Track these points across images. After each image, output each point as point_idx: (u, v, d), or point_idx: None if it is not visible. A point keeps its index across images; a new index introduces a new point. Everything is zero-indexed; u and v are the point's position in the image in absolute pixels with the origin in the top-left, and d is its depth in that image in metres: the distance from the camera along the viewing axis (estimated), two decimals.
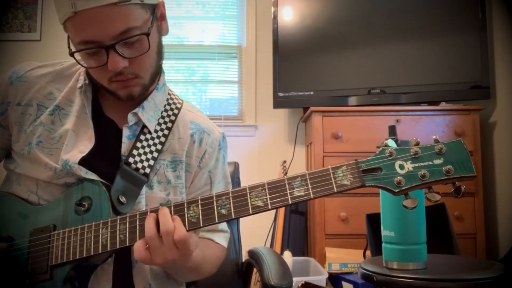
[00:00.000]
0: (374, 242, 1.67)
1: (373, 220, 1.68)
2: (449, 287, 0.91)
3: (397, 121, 2.22)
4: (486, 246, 2.17)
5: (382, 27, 2.43)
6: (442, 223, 1.59)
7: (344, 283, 1.94)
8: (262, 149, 2.75)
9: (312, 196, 0.72)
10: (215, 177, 1.02)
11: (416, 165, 0.71)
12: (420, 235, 0.98)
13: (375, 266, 1.01)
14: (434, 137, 0.73)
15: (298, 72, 2.49)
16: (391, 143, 0.75)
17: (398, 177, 0.70)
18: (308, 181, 0.73)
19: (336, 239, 2.17)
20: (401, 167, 0.71)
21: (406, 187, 0.70)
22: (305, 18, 2.53)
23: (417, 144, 0.72)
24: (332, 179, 0.72)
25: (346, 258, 2.03)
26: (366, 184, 0.72)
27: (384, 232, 1.01)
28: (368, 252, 1.71)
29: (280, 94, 2.50)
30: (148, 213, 0.78)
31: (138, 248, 0.75)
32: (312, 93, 2.45)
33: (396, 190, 0.70)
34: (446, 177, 0.69)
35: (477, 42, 2.31)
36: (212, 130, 1.03)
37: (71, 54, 0.83)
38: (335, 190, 0.72)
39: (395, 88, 2.37)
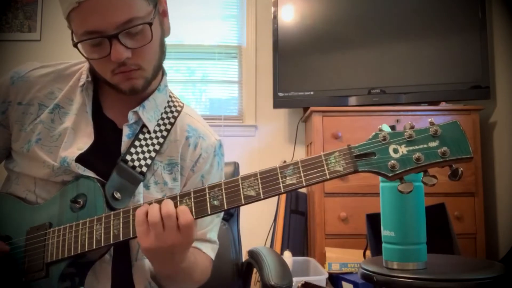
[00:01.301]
0: (374, 242, 1.67)
1: (373, 220, 1.68)
2: (449, 287, 0.91)
3: (397, 121, 2.22)
4: (486, 246, 2.16)
5: (382, 27, 2.43)
6: (442, 223, 1.59)
7: (344, 283, 1.94)
8: (262, 149, 2.74)
9: (304, 183, 0.71)
10: (208, 183, 1.01)
11: (411, 148, 0.69)
12: (420, 235, 0.98)
13: (375, 266, 1.01)
14: (429, 120, 0.71)
15: (298, 72, 2.48)
16: (385, 127, 0.73)
17: (392, 161, 0.68)
18: (301, 169, 0.72)
19: (336, 239, 2.17)
20: (395, 151, 0.69)
21: (401, 171, 0.68)
22: (305, 18, 2.53)
23: (411, 127, 0.70)
24: (325, 165, 0.71)
25: (346, 258, 2.03)
26: (359, 169, 0.70)
27: (384, 232, 1.01)
28: (368, 252, 1.71)
29: (280, 94, 2.49)
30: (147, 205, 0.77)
31: (139, 219, 0.75)
32: (312, 93, 2.45)
33: (390, 175, 0.69)
34: (441, 159, 0.67)
35: (477, 42, 2.30)
36: (208, 136, 1.02)
37: (75, 45, 0.83)
38: (328, 176, 0.71)
39: (395, 88, 2.37)
